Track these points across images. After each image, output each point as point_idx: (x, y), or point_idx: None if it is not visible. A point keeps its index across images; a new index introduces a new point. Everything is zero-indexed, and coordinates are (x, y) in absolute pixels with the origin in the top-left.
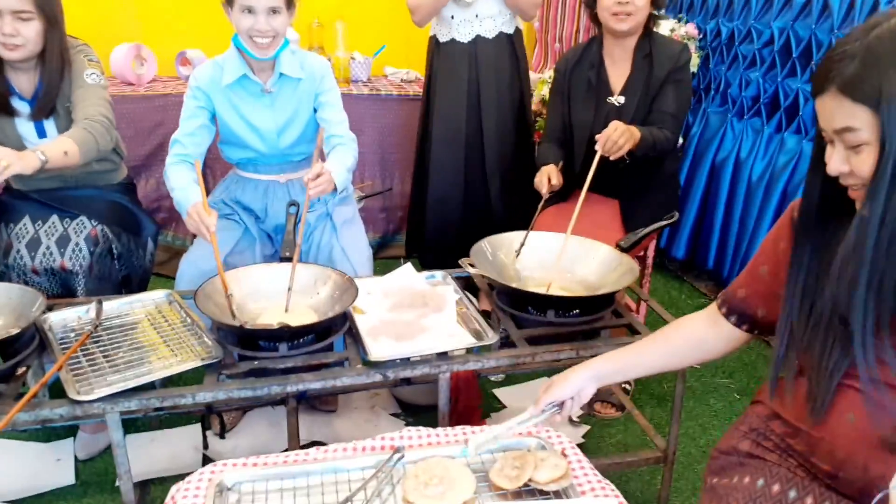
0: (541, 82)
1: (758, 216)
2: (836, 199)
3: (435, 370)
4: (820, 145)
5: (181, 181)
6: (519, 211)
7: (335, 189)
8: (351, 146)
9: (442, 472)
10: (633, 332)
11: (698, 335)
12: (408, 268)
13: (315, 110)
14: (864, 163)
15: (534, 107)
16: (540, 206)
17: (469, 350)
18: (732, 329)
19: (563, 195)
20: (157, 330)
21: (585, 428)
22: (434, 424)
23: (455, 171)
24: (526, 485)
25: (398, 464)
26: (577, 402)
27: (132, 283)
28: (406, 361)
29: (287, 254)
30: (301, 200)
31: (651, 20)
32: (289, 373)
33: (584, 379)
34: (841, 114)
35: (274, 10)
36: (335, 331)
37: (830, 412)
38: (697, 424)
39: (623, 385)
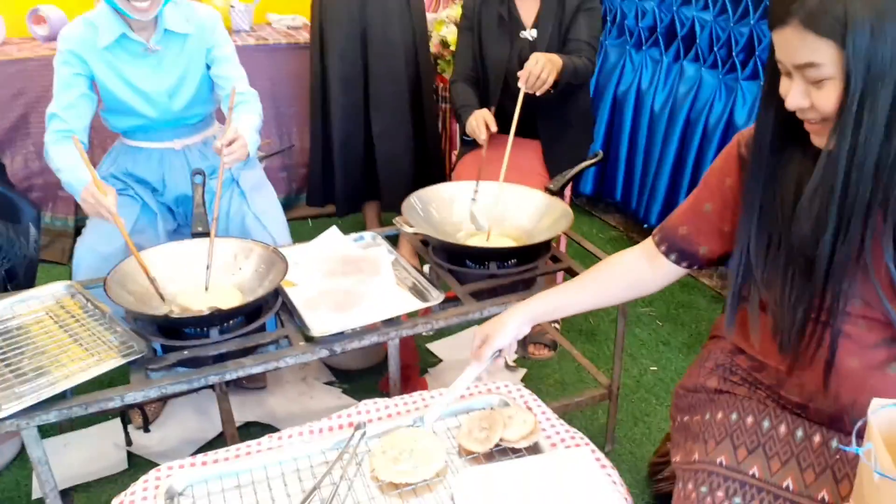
0: (438, 22)
1: (662, 146)
2: (789, 131)
3: (383, 338)
4: (773, 76)
5: (68, 160)
6: (423, 154)
7: (248, 155)
8: (255, 104)
9: (410, 444)
10: (572, 274)
11: (634, 273)
12: (333, 231)
13: (208, 67)
14: (827, 98)
15: (433, 49)
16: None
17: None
18: (671, 266)
19: (477, 143)
20: (64, 328)
21: (522, 371)
22: (370, 388)
23: (356, 109)
24: (497, 445)
25: (361, 441)
26: (513, 344)
27: (17, 276)
28: (352, 332)
29: (199, 229)
30: (203, 167)
31: None
32: (224, 359)
33: (519, 323)
34: (803, 48)
35: None
36: (267, 308)
37: (804, 350)
38: (627, 355)
39: (553, 324)
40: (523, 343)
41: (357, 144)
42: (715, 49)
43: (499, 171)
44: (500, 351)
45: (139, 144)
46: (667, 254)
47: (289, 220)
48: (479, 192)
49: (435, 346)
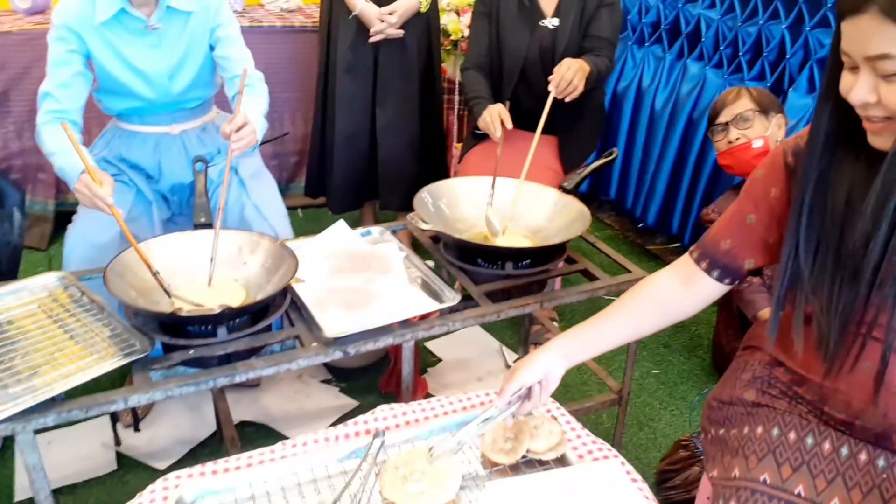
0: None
1: (662, 145)
2: (845, 131)
3: (399, 339)
4: (833, 71)
5: (62, 144)
6: (427, 151)
7: (257, 141)
8: (261, 87)
9: (424, 465)
10: (589, 277)
11: (670, 295)
12: (341, 225)
13: (211, 48)
14: None
15: None
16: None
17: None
18: (711, 284)
19: (485, 136)
20: (58, 323)
21: None
22: (369, 388)
23: (363, 103)
24: (523, 456)
25: (380, 451)
26: (546, 387)
27: (1, 263)
28: (367, 333)
29: (202, 220)
30: (203, 153)
31: None
32: (232, 360)
33: (550, 359)
34: (880, 38)
35: None
36: (276, 306)
37: (844, 361)
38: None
39: (553, 322)
40: (524, 344)
41: (361, 139)
42: (721, 48)
43: (510, 167)
44: (528, 393)
45: (135, 128)
46: (709, 271)
47: None
48: (494, 192)
49: (434, 345)
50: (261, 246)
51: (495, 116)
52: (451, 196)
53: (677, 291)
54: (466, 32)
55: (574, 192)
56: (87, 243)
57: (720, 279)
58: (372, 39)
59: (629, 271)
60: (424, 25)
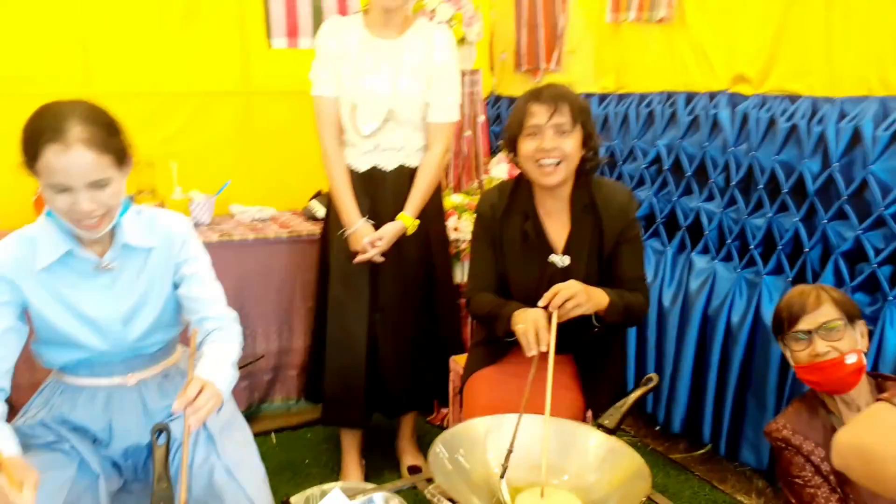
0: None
1: (677, 344)
2: None
3: None
4: None
5: None
6: (425, 360)
7: (223, 403)
8: (233, 329)
9: None
10: None
11: None
12: (336, 496)
13: (175, 285)
14: None
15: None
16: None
17: None
18: None
19: (494, 355)
20: None
21: None
22: None
23: (357, 311)
24: None
25: None
26: None
27: None
28: None
29: None
30: (163, 407)
31: (584, 163)
32: None
33: None
34: None
35: (99, 184)
36: None
37: None
38: None
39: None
40: None
41: (355, 350)
42: (728, 241)
43: (516, 395)
44: None
45: (82, 382)
46: None
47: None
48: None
49: None
50: None
51: (530, 327)
52: (470, 444)
53: None
54: (453, 235)
55: (615, 431)
56: None
57: None
58: (357, 260)
59: None
60: (423, 233)
